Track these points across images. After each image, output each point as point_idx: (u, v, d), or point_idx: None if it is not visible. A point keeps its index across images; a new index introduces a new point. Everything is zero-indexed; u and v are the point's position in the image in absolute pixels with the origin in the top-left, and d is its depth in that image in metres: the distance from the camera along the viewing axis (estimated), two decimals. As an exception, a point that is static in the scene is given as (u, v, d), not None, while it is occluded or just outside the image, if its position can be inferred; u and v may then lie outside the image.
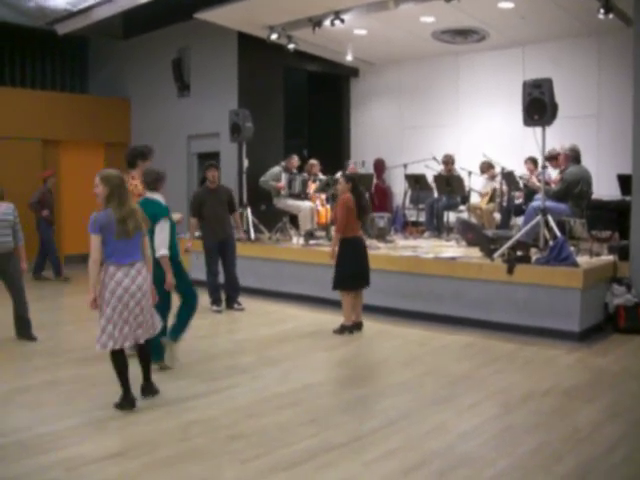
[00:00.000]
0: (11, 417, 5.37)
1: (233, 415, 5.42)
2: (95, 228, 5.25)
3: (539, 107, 8.43)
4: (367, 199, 8.46)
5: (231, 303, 9.81)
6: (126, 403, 5.47)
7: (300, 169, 12.67)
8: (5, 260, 7.58)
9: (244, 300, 9.97)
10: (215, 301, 9.69)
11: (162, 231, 6.28)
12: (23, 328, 7.69)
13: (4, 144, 13.95)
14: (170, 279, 6.25)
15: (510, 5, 10.67)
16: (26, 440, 4.86)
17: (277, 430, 5.08)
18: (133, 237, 5.38)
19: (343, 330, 8.20)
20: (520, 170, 11.37)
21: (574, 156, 9.54)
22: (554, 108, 8.43)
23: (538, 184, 9.97)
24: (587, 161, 9.86)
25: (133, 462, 4.47)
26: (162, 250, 6.23)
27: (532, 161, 11.03)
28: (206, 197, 9.61)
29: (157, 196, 6.55)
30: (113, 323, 5.31)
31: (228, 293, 9.85)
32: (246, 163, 12.25)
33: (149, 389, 5.79)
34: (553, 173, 10.43)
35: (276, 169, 12.20)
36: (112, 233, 5.26)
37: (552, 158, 10.38)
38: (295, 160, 12.41)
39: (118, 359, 5.43)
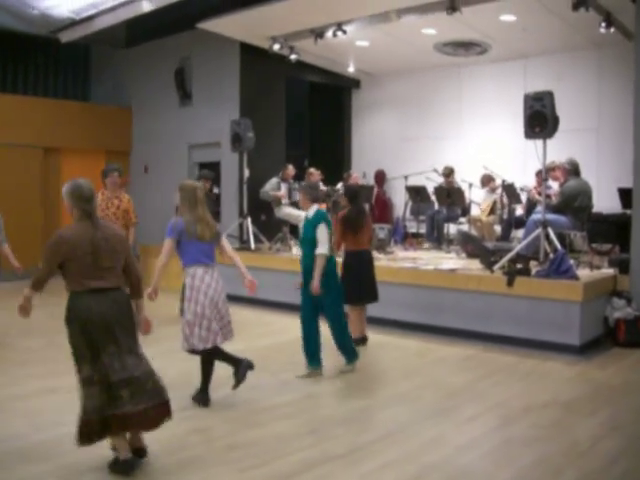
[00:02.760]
0: (9, 424, 5.35)
1: (231, 425, 5.41)
2: (171, 232, 5.70)
3: (540, 120, 8.45)
4: (364, 211, 8.34)
5: None
6: (202, 399, 5.81)
7: (299, 179, 12.68)
8: None
9: (243, 310, 9.95)
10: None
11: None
12: None
13: (5, 151, 13.95)
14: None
15: (512, 18, 10.71)
16: (23, 447, 4.84)
17: (275, 440, 5.06)
18: (209, 242, 5.83)
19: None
20: (521, 182, 11.37)
21: (573, 169, 9.57)
22: (555, 121, 8.44)
23: (538, 197, 9.98)
24: (587, 174, 9.88)
25: (131, 472, 4.44)
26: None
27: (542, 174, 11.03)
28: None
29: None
30: (198, 324, 5.69)
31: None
32: (247, 173, 12.26)
33: (201, 398, 5.89)
34: (554, 186, 10.44)
35: (274, 180, 12.23)
36: (187, 237, 5.70)
37: (550, 170, 10.37)
38: (291, 170, 12.42)
39: (206, 359, 5.84)
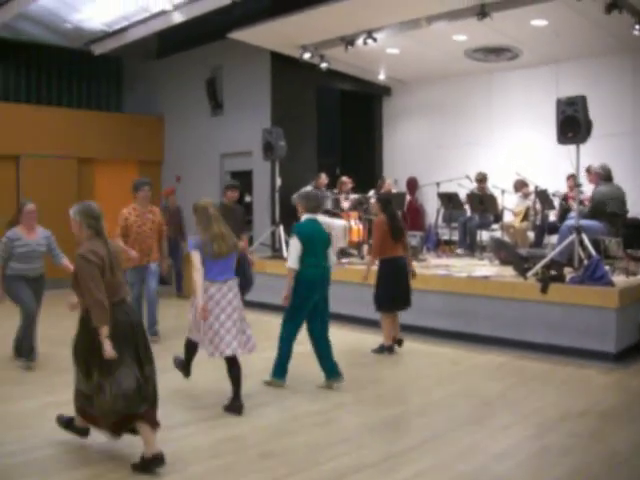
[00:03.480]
0: (48, 431, 5.40)
1: (264, 433, 5.41)
2: (193, 246, 5.95)
3: (573, 125, 8.37)
4: (400, 219, 8.35)
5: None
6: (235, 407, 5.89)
7: (331, 187, 12.69)
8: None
9: (275, 318, 9.92)
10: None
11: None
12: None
13: (41, 162, 14.17)
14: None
15: (543, 22, 10.62)
16: (58, 455, 4.90)
17: (307, 449, 5.05)
18: (225, 258, 5.97)
19: (382, 350, 8.15)
20: (554, 188, 11.26)
21: (605, 175, 9.45)
22: (588, 126, 8.35)
23: (572, 202, 9.88)
24: (623, 179, 9.77)
25: (164, 478, 4.47)
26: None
27: (574, 178, 10.92)
28: (225, 214, 9.60)
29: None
30: (213, 333, 5.86)
31: None
32: (279, 181, 12.30)
33: (234, 406, 5.91)
34: (588, 191, 10.31)
35: (307, 188, 12.22)
36: (203, 254, 5.88)
37: (587, 172, 10.26)
38: (323, 178, 12.44)
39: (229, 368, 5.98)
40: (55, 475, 4.58)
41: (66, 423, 5.13)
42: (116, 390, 4.52)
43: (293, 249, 6.59)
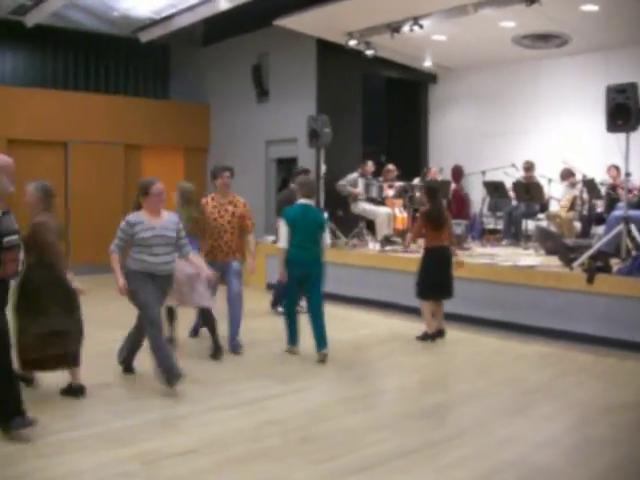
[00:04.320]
0: (91, 411, 5.54)
1: (306, 417, 5.45)
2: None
3: (623, 112, 8.21)
4: (444, 208, 8.34)
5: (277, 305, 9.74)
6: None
7: (377, 174, 12.67)
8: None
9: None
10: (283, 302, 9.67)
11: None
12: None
13: (89, 148, 14.41)
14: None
15: (594, 8, 10.41)
16: (104, 433, 5.01)
17: (349, 434, 5.08)
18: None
19: (425, 337, 8.16)
20: (601, 177, 11.09)
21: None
22: (639, 114, 8.19)
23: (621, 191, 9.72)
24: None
25: (205, 459, 4.55)
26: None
27: (616, 168, 10.75)
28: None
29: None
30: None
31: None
32: (324, 169, 12.30)
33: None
34: (638, 181, 10.13)
35: (353, 175, 12.24)
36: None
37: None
38: (370, 166, 12.41)
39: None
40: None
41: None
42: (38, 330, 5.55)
43: (281, 230, 7.25)
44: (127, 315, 6.47)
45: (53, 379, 5.93)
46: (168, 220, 6.21)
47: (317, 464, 4.49)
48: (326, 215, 9.24)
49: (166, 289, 6.26)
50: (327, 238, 7.50)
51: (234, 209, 7.59)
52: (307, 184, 7.50)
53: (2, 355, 4.78)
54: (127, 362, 6.60)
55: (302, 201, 7.29)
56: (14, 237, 4.83)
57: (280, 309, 9.53)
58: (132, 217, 6.12)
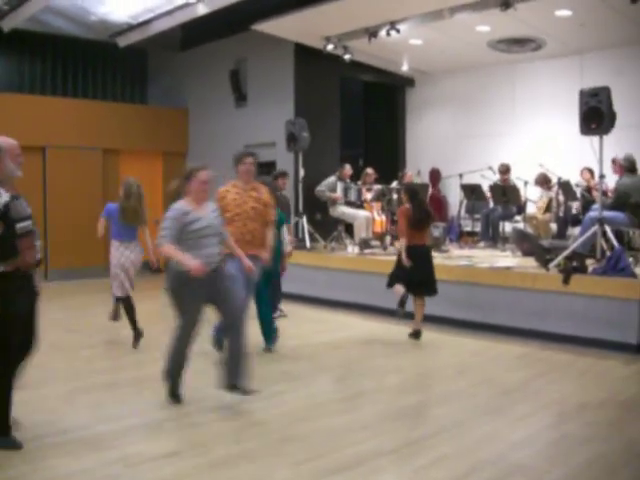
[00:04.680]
0: (74, 416, 5.55)
1: (286, 419, 5.49)
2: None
3: (596, 116, 8.36)
4: (425, 210, 8.43)
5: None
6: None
7: (356, 178, 12.74)
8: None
9: (299, 308, 10.08)
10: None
11: None
12: None
13: (66, 153, 14.36)
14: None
15: (568, 13, 10.57)
16: (88, 437, 5.02)
17: (329, 435, 5.13)
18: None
19: (417, 335, 8.36)
20: (577, 179, 11.23)
21: (628, 166, 9.40)
22: (612, 117, 8.33)
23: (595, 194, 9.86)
24: (647, 171, 9.70)
25: (188, 462, 4.58)
26: None
27: (589, 171, 10.91)
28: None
29: None
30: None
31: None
32: (302, 172, 12.37)
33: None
34: (611, 182, 10.27)
35: (331, 179, 12.30)
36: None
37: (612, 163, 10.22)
38: (348, 169, 12.47)
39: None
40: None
41: None
42: None
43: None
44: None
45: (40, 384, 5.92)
46: (210, 208, 5.85)
47: (298, 464, 4.53)
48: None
49: (215, 285, 5.66)
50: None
51: (258, 195, 7.12)
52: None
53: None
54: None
55: None
56: (28, 223, 4.61)
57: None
58: (180, 206, 5.64)
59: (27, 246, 4.54)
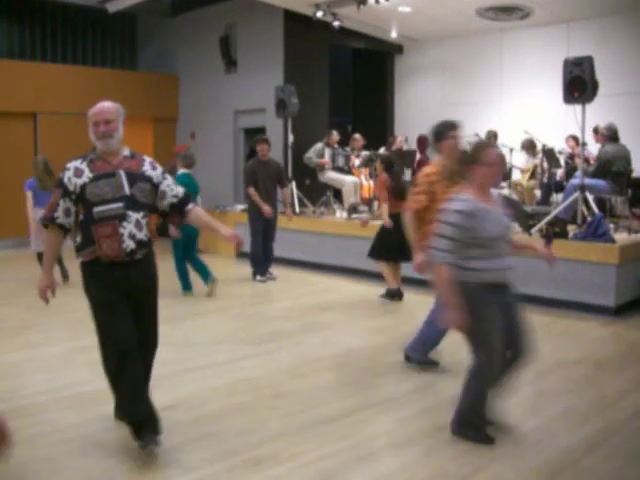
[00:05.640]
0: (75, 373, 5.81)
1: (277, 376, 5.77)
2: None
3: (579, 85, 8.54)
4: (402, 178, 8.75)
5: (264, 272, 10.16)
6: None
7: (344, 144, 12.90)
8: None
9: (289, 271, 10.34)
10: (259, 272, 10.01)
11: None
12: None
13: (57, 119, 14.44)
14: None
15: (555, -18, 10.70)
16: (88, 392, 5.28)
17: (318, 390, 5.41)
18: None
19: (390, 295, 8.60)
20: (561, 147, 11.44)
21: (610, 135, 9.61)
22: (594, 86, 8.52)
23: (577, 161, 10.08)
24: (629, 138, 9.91)
25: (185, 414, 4.85)
26: None
27: (574, 139, 11.11)
28: (258, 169, 9.90)
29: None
30: None
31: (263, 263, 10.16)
32: (291, 138, 12.52)
33: None
34: (594, 150, 10.50)
35: (319, 145, 12.44)
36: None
37: (594, 133, 10.44)
38: (335, 135, 12.58)
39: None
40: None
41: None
42: None
43: None
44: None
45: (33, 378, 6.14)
46: (498, 201, 4.52)
47: (288, 416, 4.81)
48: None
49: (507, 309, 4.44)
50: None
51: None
52: (189, 157, 9.06)
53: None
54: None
55: (184, 171, 8.90)
56: (108, 207, 4.09)
57: (259, 278, 9.92)
58: (462, 204, 4.18)
59: (105, 234, 3.99)
